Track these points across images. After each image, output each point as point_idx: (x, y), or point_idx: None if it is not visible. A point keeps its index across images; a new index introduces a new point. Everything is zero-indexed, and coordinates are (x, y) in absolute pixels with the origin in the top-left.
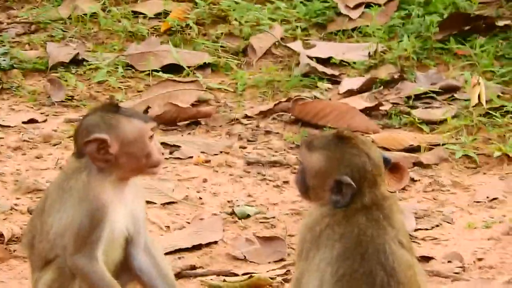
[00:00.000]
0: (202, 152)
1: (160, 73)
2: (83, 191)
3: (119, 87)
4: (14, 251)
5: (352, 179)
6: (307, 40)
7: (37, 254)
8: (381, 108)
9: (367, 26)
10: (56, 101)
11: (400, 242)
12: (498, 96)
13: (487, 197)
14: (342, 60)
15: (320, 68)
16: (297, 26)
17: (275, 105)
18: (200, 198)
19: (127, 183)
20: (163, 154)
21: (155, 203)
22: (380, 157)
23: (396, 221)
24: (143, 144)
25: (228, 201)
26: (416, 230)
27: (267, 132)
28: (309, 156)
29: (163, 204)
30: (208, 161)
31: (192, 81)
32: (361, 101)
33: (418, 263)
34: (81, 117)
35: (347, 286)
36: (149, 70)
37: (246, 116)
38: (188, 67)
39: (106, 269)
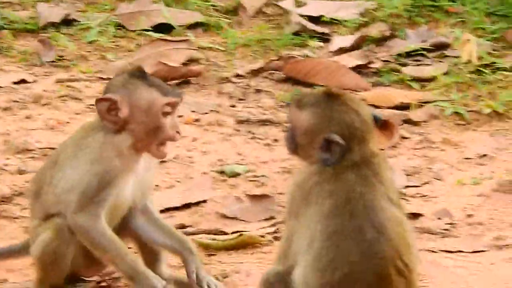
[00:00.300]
0: (193, 111)
1: (151, 33)
2: (98, 151)
3: (110, 47)
4: (4, 211)
5: (341, 136)
6: None
7: (41, 204)
8: (371, 66)
9: None
10: (46, 62)
11: (389, 198)
12: (489, 53)
13: (477, 154)
14: (333, 18)
15: (311, 26)
16: None
17: (266, 63)
18: (190, 157)
19: (141, 154)
20: (178, 133)
21: None
22: (370, 114)
23: (385, 178)
24: (154, 117)
25: (218, 160)
26: (406, 187)
27: (258, 91)
28: (299, 114)
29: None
30: (198, 120)
31: (183, 40)
32: (352, 59)
33: (407, 220)
34: (71, 76)
35: (337, 243)
36: (140, 30)
37: (237, 75)
38: (179, 26)
39: (107, 226)
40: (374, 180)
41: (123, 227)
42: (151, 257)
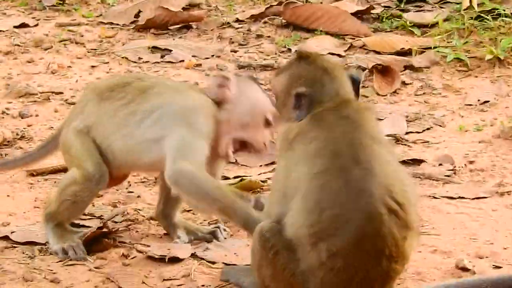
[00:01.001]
0: (194, 56)
1: None
2: (203, 110)
3: None
4: (6, 155)
5: (309, 90)
6: None
7: (122, 133)
8: (372, 11)
9: None
10: (47, 6)
11: (372, 137)
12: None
13: (478, 100)
14: None
15: None
16: None
17: (266, 8)
18: None
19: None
20: (266, 147)
21: None
22: (343, 73)
23: (366, 117)
24: (254, 116)
25: None
26: (407, 133)
27: (259, 36)
28: (276, 80)
29: None
30: (199, 65)
31: None
32: (353, 5)
33: (396, 158)
34: (72, 21)
35: (322, 183)
36: None
37: (237, 20)
38: None
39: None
40: (355, 119)
41: None
42: (172, 201)
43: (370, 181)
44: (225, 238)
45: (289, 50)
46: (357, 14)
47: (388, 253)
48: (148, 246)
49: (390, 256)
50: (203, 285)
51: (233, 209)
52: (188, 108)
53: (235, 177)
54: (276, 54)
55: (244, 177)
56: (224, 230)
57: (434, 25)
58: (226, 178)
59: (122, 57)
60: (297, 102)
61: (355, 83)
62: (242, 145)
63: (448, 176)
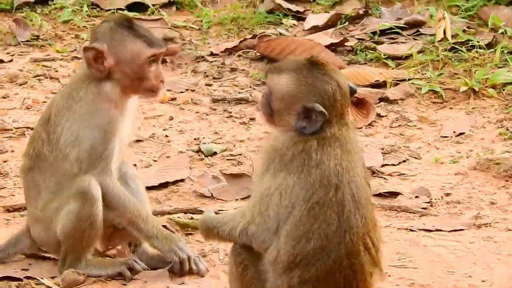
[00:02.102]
0: (168, 90)
1: (125, 12)
2: (94, 103)
3: (84, 26)
4: None
5: (323, 106)
6: None
7: (49, 166)
8: (346, 44)
9: None
10: (21, 41)
11: (364, 177)
12: (464, 31)
13: (454, 132)
14: None
15: (285, 4)
16: None
17: (240, 42)
18: (167, 136)
19: (129, 99)
20: (162, 81)
21: None
22: (348, 87)
23: (361, 157)
24: (139, 67)
25: (195, 139)
26: (383, 165)
27: (233, 69)
28: (277, 79)
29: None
30: (174, 99)
31: (157, 19)
32: (327, 37)
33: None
34: (47, 56)
35: (318, 213)
36: (114, 9)
37: (211, 54)
38: (153, 5)
39: (119, 183)
40: (355, 158)
41: None
42: None
43: (358, 219)
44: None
45: (264, 83)
46: (331, 47)
47: (355, 286)
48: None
49: None
50: None
51: (143, 219)
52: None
53: None
54: (250, 87)
55: (220, 211)
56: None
57: (408, 57)
58: (202, 212)
59: None
60: (306, 114)
61: (352, 93)
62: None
63: (424, 208)
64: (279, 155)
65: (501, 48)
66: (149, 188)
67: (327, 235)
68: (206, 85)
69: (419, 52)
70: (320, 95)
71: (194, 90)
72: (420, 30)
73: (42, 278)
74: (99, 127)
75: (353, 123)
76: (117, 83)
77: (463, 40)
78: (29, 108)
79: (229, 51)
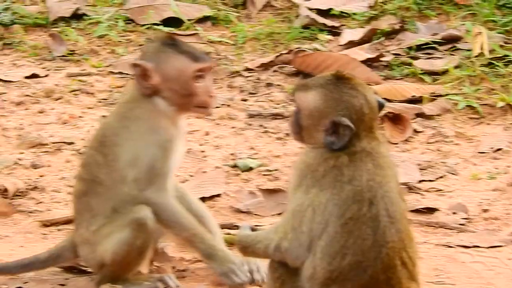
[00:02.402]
0: None
1: (161, 27)
2: (152, 121)
3: (119, 41)
4: (19, 205)
5: (350, 120)
6: None
7: (105, 190)
8: (382, 59)
9: None
10: (57, 56)
11: (398, 192)
12: (501, 46)
13: (491, 148)
14: (342, 11)
15: (320, 19)
16: None
17: (276, 57)
18: (203, 151)
19: (182, 116)
20: (211, 96)
21: None
22: (376, 100)
23: (395, 172)
24: (185, 83)
25: (231, 154)
26: (420, 181)
27: (268, 85)
28: (304, 96)
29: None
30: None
31: (192, 34)
32: (362, 53)
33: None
34: (82, 71)
35: (352, 229)
36: (149, 24)
37: (247, 69)
38: (188, 20)
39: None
40: (389, 172)
41: None
42: None
43: (394, 234)
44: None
45: (292, 100)
46: (367, 62)
47: None
48: None
49: None
50: None
51: (200, 238)
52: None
53: None
54: (286, 102)
55: (256, 227)
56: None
57: (444, 72)
58: (238, 227)
59: None
60: (334, 129)
61: (380, 108)
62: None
63: (462, 224)
64: (311, 171)
65: None
66: None
67: (363, 250)
68: (242, 100)
69: (455, 67)
70: (347, 109)
71: (229, 105)
72: (457, 45)
73: None
74: (159, 145)
75: (384, 137)
76: (168, 100)
77: (500, 55)
78: (65, 123)
79: (265, 66)
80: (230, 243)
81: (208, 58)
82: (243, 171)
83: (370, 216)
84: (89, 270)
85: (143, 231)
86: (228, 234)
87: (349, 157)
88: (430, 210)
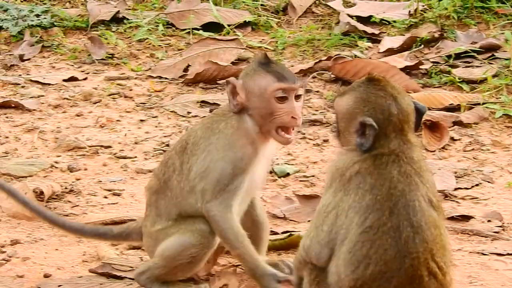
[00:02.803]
0: None
1: (201, 31)
2: (231, 137)
3: (159, 45)
4: (55, 208)
5: (376, 120)
6: None
7: (174, 197)
8: (421, 67)
9: None
10: (96, 59)
11: (429, 200)
12: None
13: None
14: (382, 19)
15: (360, 26)
16: None
17: (315, 63)
18: None
19: (268, 140)
20: (296, 119)
21: None
22: (410, 104)
23: (427, 179)
24: (267, 102)
25: None
26: (456, 189)
27: (307, 91)
28: (339, 100)
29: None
30: None
31: (232, 40)
32: (401, 60)
33: (444, 224)
34: (121, 74)
35: (373, 238)
36: (189, 28)
37: None
38: (229, 25)
39: (237, 219)
40: (416, 180)
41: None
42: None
43: (418, 244)
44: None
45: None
46: (406, 70)
47: None
48: None
49: None
50: None
51: (249, 257)
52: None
53: (283, 232)
54: (324, 109)
55: (292, 232)
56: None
57: (483, 81)
58: (274, 233)
59: (171, 111)
60: (361, 129)
61: (419, 114)
62: (283, 129)
63: (496, 232)
64: (339, 174)
65: None
66: None
67: (385, 260)
68: None
69: (494, 76)
70: (374, 109)
71: None
72: (495, 54)
73: None
74: (231, 161)
75: (418, 141)
76: (253, 119)
77: None
78: (103, 127)
79: (304, 72)
80: (272, 249)
81: (295, 79)
82: (279, 177)
83: (391, 225)
84: (124, 275)
85: (205, 242)
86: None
87: (375, 162)
88: (465, 218)
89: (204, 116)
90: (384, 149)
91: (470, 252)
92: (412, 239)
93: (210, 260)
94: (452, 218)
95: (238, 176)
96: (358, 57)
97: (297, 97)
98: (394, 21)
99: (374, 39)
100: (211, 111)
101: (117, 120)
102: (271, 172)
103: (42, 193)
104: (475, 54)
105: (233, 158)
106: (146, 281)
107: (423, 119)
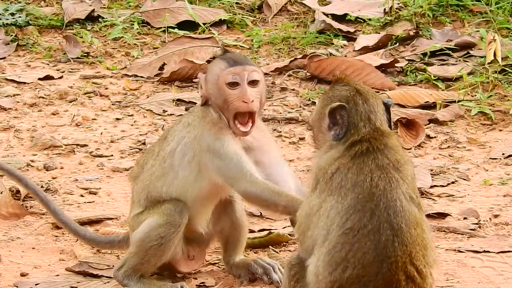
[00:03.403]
0: None
1: (176, 30)
2: (199, 127)
3: (135, 44)
4: (31, 207)
5: (343, 105)
6: None
7: (143, 179)
8: (396, 65)
9: None
10: (72, 58)
11: (410, 197)
12: None
13: (503, 154)
14: (357, 17)
15: (336, 25)
16: None
17: (290, 61)
18: None
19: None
20: (246, 103)
21: None
22: (375, 96)
23: (406, 174)
24: (220, 89)
25: None
26: (432, 186)
27: (283, 89)
28: (312, 112)
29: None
30: None
31: (207, 38)
32: (377, 58)
33: (425, 219)
34: (97, 73)
35: (352, 241)
36: (164, 27)
37: None
38: (204, 23)
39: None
40: (396, 176)
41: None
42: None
43: (397, 248)
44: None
45: (314, 103)
46: (382, 68)
47: None
48: None
49: None
50: None
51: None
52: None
53: (260, 230)
54: (300, 107)
55: (270, 231)
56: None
57: (458, 78)
58: (251, 231)
59: (147, 110)
60: (332, 119)
61: (387, 108)
62: (240, 115)
63: (473, 230)
64: (322, 173)
65: None
66: None
67: (364, 264)
68: None
69: (469, 74)
70: (340, 98)
71: None
72: (471, 52)
73: None
74: (209, 149)
75: (391, 131)
76: (214, 109)
77: None
78: (78, 125)
79: (279, 71)
80: (251, 246)
81: (246, 64)
82: None
83: (371, 228)
84: (101, 274)
85: (170, 220)
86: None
87: (352, 154)
88: (442, 215)
89: (180, 115)
90: (355, 137)
91: (447, 250)
92: (391, 242)
93: (198, 257)
94: (428, 216)
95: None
96: (334, 55)
97: (252, 82)
98: (370, 19)
99: (350, 37)
100: (186, 109)
101: (93, 119)
102: None
103: (18, 191)
104: (450, 52)
105: (205, 146)
106: (123, 276)
107: (394, 116)
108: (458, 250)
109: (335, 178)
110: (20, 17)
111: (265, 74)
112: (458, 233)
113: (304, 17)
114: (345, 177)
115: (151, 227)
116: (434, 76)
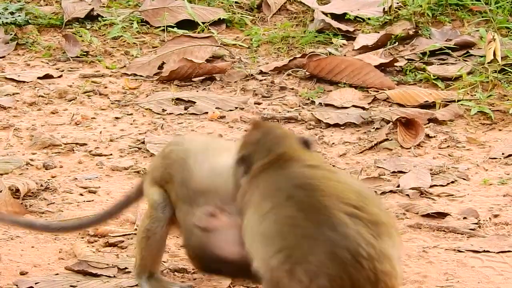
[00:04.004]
0: (217, 108)
1: (175, 29)
2: None
3: (134, 43)
4: (30, 206)
5: (248, 152)
6: None
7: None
8: (396, 64)
9: None
10: (71, 57)
11: (309, 166)
12: None
13: (503, 154)
14: (357, 16)
15: (335, 24)
16: None
17: (289, 61)
18: None
19: None
20: None
21: None
22: (287, 136)
23: (298, 158)
24: None
25: None
26: (431, 186)
27: (282, 88)
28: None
29: None
30: (223, 117)
31: (207, 37)
32: (376, 57)
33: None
34: (96, 72)
35: (275, 218)
36: (164, 26)
37: (260, 72)
38: (203, 23)
39: None
40: (284, 166)
41: None
42: None
43: (320, 197)
44: None
45: (313, 102)
46: (381, 67)
47: (365, 253)
48: None
49: (369, 255)
50: None
51: None
52: None
53: None
54: (299, 106)
55: None
56: None
57: (457, 78)
58: None
59: (146, 109)
60: (240, 165)
61: (306, 145)
62: None
63: (472, 229)
64: (239, 205)
65: None
66: None
67: (297, 224)
68: (255, 103)
69: (468, 73)
70: (247, 145)
71: (243, 109)
72: (470, 51)
73: None
74: None
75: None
76: None
77: None
78: (78, 124)
79: (279, 70)
80: None
81: None
82: None
83: (282, 200)
84: (100, 273)
85: (153, 213)
86: None
87: (251, 176)
88: (441, 215)
89: (179, 114)
90: (257, 165)
91: (446, 249)
92: (308, 197)
93: None
94: (428, 215)
95: None
96: (333, 54)
97: None
98: (369, 19)
99: (349, 37)
100: (186, 108)
101: (92, 118)
102: None
103: (18, 190)
104: (450, 51)
105: None
106: (136, 276)
107: (393, 115)
108: (457, 250)
109: (244, 198)
110: (19, 16)
111: (264, 73)
112: (457, 233)
113: (303, 16)
114: (249, 189)
115: (141, 221)
116: (434, 76)
